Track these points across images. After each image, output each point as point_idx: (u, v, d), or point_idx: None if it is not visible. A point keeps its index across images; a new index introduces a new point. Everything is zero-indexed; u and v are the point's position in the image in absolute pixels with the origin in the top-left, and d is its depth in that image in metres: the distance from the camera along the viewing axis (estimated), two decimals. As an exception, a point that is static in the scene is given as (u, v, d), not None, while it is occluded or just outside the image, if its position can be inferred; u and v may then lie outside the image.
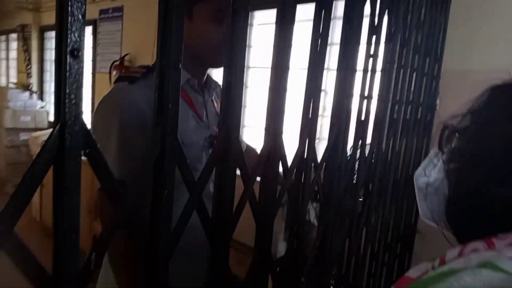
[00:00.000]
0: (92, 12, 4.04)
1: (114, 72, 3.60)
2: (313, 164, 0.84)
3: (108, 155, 0.80)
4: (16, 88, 4.95)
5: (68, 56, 0.39)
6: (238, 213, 0.66)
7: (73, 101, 0.40)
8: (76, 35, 0.39)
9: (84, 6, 0.39)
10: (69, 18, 0.38)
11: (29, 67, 5.24)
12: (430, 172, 0.50)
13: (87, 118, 0.44)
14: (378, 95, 1.12)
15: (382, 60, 1.10)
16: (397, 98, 1.22)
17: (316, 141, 0.83)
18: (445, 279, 0.39)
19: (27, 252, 0.40)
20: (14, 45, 5.80)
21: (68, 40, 0.38)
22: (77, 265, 0.43)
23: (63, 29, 0.38)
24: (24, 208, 0.38)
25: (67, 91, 0.39)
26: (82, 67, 0.40)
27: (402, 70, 1.19)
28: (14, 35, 5.67)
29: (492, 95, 0.46)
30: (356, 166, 1.04)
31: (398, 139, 1.29)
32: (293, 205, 0.82)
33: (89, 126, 0.49)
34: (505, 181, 0.41)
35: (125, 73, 0.89)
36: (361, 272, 1.18)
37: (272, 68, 0.68)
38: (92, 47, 4.11)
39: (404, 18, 1.15)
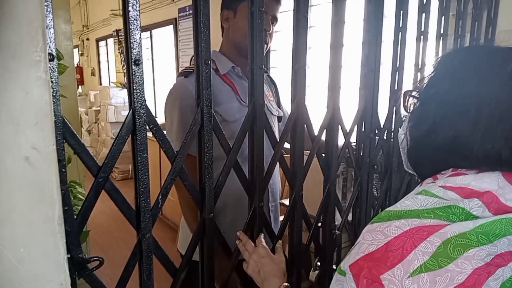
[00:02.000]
0: (172, 11, 4.47)
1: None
2: (341, 130, 0.98)
3: (171, 133, 1.05)
4: (116, 86, 5.70)
5: (132, 65, 0.61)
6: (269, 171, 0.84)
7: (138, 94, 0.62)
8: (136, 51, 0.60)
9: (139, 32, 0.60)
10: (131, 40, 0.60)
11: (125, 67, 5.97)
12: (401, 131, 0.62)
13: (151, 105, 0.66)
14: (416, 65, 1.18)
15: (418, 29, 1.16)
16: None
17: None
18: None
19: (119, 193, 0.64)
20: (111, 48, 6.63)
21: (132, 54, 0.60)
22: (149, 202, 0.66)
23: (128, 48, 0.60)
24: (115, 162, 0.62)
25: (134, 87, 0.61)
26: (142, 71, 0.62)
27: (442, 38, 1.23)
28: (111, 40, 6.49)
29: (438, 62, 0.57)
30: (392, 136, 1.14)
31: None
32: (325, 168, 0.97)
33: (153, 111, 0.71)
34: (442, 131, 0.52)
35: (183, 70, 1.13)
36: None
37: (293, 50, 0.84)
38: (175, 45, 4.56)
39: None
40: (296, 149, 0.89)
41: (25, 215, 0.43)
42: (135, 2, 0.60)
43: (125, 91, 5.45)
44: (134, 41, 0.60)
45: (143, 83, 0.63)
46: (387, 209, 0.52)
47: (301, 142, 0.88)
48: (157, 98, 5.12)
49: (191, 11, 4.03)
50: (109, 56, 7.04)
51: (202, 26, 0.68)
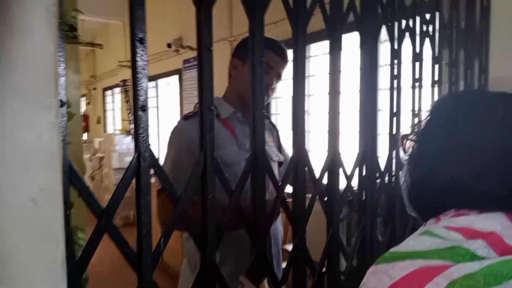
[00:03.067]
0: (177, 62, 4.66)
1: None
2: (343, 173, 0.99)
3: (165, 167, 1.08)
4: (121, 133, 5.80)
5: (139, 111, 0.63)
6: (271, 214, 0.84)
7: (143, 138, 0.64)
8: (143, 98, 0.63)
9: (146, 81, 0.63)
10: (138, 87, 0.63)
11: (130, 115, 6.12)
12: (402, 174, 0.63)
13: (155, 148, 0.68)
14: (412, 110, 1.22)
15: (412, 77, 1.21)
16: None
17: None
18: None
19: (121, 236, 0.64)
20: (117, 97, 6.83)
21: (139, 101, 0.63)
22: (151, 246, 0.66)
23: (136, 95, 0.63)
24: (119, 204, 0.63)
25: (140, 132, 0.64)
26: (147, 117, 0.64)
27: (437, 85, 1.28)
28: (117, 89, 6.71)
29: (433, 107, 0.59)
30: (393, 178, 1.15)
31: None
32: (327, 210, 0.97)
33: (156, 154, 0.73)
34: (439, 175, 0.53)
35: (185, 114, 1.17)
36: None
37: (292, 95, 0.87)
38: (179, 93, 4.71)
39: (432, 36, 1.25)
40: (298, 192, 0.89)
41: (28, 257, 0.43)
42: (143, 53, 0.64)
43: (129, 138, 5.54)
44: (141, 89, 0.64)
45: (148, 128, 0.65)
46: (391, 250, 0.52)
47: (303, 185, 0.89)
48: (161, 143, 5.19)
49: (195, 62, 4.22)
50: (115, 105, 7.24)
51: (206, 75, 0.72)
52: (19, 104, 0.41)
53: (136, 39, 0.63)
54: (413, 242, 0.51)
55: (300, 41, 0.86)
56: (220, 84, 1.18)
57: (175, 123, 1.17)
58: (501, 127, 0.50)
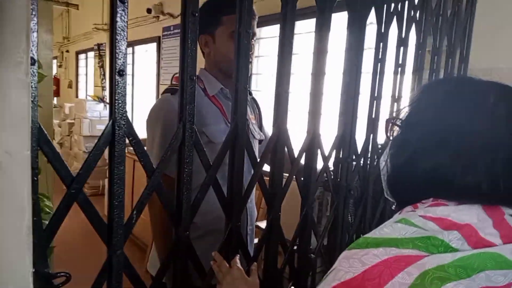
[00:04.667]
0: (156, 29, 4.49)
1: (174, 83, 3.98)
2: (320, 154, 0.99)
3: (152, 149, 1.04)
4: (93, 100, 5.60)
5: (116, 75, 0.60)
6: (248, 191, 0.83)
7: (120, 105, 0.61)
8: (121, 62, 0.60)
9: (125, 43, 0.59)
10: (117, 51, 0.59)
11: (103, 81, 5.90)
12: (382, 158, 0.63)
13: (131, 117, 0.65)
14: (392, 96, 1.23)
15: (396, 63, 1.21)
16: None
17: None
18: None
19: (91, 206, 0.61)
20: (91, 62, 6.55)
21: (116, 65, 0.59)
22: (123, 217, 0.64)
23: (113, 58, 0.59)
24: (90, 172, 0.60)
25: (116, 98, 0.60)
26: (125, 82, 0.61)
27: (418, 73, 1.29)
28: (91, 53, 6.42)
29: (421, 91, 0.59)
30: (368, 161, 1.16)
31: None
32: (303, 190, 0.97)
33: (141, 136, 0.69)
34: (422, 161, 0.53)
35: (169, 86, 1.12)
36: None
37: (277, 73, 0.85)
38: (157, 62, 4.56)
39: (418, 22, 1.25)
40: (275, 170, 0.89)
41: (-9, 223, 0.40)
42: (123, 13, 0.59)
43: (101, 105, 5.36)
44: (120, 52, 0.60)
45: (125, 94, 0.62)
46: (366, 235, 0.52)
47: (281, 164, 0.88)
48: (134, 113, 5.06)
49: (175, 31, 4.07)
50: (88, 69, 6.95)
51: (190, 42, 0.68)
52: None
53: (117, -2, 0.58)
54: (388, 229, 0.50)
55: (289, 18, 0.83)
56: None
57: (161, 98, 1.10)
58: (492, 119, 0.50)
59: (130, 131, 0.63)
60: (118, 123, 0.61)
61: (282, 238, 0.92)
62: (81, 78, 7.37)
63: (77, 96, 7.25)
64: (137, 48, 5.07)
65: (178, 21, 4.17)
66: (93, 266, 0.69)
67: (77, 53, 7.34)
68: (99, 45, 5.92)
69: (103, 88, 5.90)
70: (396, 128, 0.59)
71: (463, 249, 0.46)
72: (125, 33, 0.60)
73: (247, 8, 0.76)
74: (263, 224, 2.19)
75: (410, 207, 0.54)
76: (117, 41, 0.59)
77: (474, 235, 0.46)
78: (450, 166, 0.50)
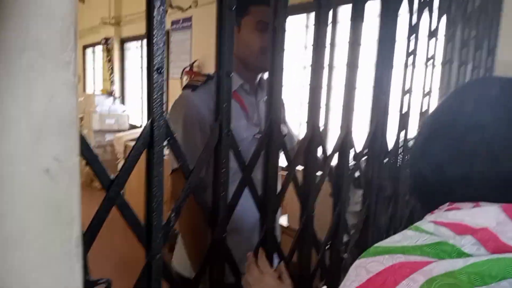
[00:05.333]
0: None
1: (184, 78, 3.95)
2: (353, 152, 0.95)
3: None
4: (102, 94, 5.59)
5: (155, 73, 0.57)
6: (283, 190, 0.80)
7: (158, 103, 0.58)
8: (160, 58, 0.56)
9: (164, 38, 0.56)
10: (155, 47, 0.56)
11: (112, 75, 5.88)
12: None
13: (166, 115, 0.62)
14: (423, 90, 1.18)
15: (426, 55, 1.17)
16: (444, 91, 1.27)
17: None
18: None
19: (130, 210, 0.58)
20: (99, 56, 6.53)
21: (155, 62, 0.56)
22: (162, 219, 0.61)
23: (151, 54, 0.56)
24: (129, 175, 0.57)
25: (155, 96, 0.57)
26: (163, 80, 0.58)
27: (448, 65, 1.24)
28: (99, 47, 6.40)
29: (450, 95, 0.55)
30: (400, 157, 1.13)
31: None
32: (335, 189, 0.94)
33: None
34: (441, 172, 0.50)
35: (190, 82, 1.09)
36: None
37: (311, 68, 0.82)
38: (165, 56, 4.52)
39: (448, 13, 1.20)
40: (308, 169, 0.85)
41: (40, 236, 0.37)
42: (162, 6, 0.56)
43: (110, 99, 5.35)
44: (158, 49, 0.56)
45: (163, 93, 0.58)
46: (376, 244, 0.49)
47: (315, 163, 0.85)
48: (143, 107, 5.04)
49: (184, 24, 4.03)
50: (96, 64, 6.92)
51: (227, 35, 0.65)
52: (33, 59, 0.34)
53: (156, -10, 0.55)
54: (398, 237, 0.48)
55: (324, 8, 0.80)
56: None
57: (181, 95, 1.07)
58: None
59: (168, 131, 0.60)
60: (157, 123, 0.58)
61: (316, 239, 0.89)
62: (89, 73, 7.36)
63: (85, 91, 7.24)
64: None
65: (186, 14, 4.12)
66: (126, 271, 0.67)
67: (84, 47, 7.31)
68: (106, 39, 5.89)
69: (112, 83, 5.88)
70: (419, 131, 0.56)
71: (478, 254, 0.41)
72: (163, 27, 0.56)
73: (283, 2, 0.72)
74: (284, 222, 2.17)
75: (429, 214, 0.51)
76: (155, 35, 0.56)
77: (493, 239, 0.42)
78: (482, 172, 0.47)
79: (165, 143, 0.60)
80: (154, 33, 0.56)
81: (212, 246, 0.70)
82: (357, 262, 0.47)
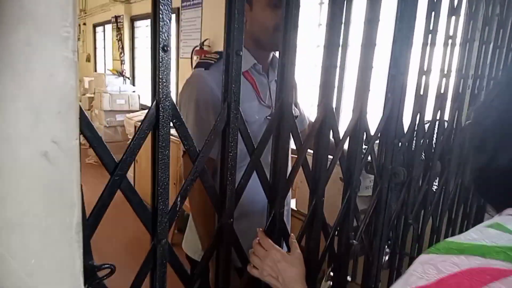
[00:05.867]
0: (175, 0, 4.37)
1: (195, 57, 3.89)
2: (365, 135, 0.92)
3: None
4: (112, 74, 5.57)
5: (160, 51, 0.54)
6: (292, 176, 0.78)
7: (164, 84, 0.55)
8: (166, 35, 0.54)
9: (170, 14, 0.53)
10: (161, 23, 0.53)
11: (122, 54, 5.85)
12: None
13: (173, 97, 0.60)
14: (441, 70, 1.13)
15: (446, 34, 1.11)
16: (463, 72, 1.22)
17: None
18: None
19: (136, 194, 0.57)
20: (109, 35, 6.49)
21: (160, 39, 0.53)
22: (168, 204, 0.60)
23: (157, 31, 0.53)
24: (134, 158, 0.55)
25: (160, 76, 0.55)
26: (170, 58, 0.55)
27: (468, 44, 1.18)
28: (109, 26, 6.34)
29: (500, 80, 0.51)
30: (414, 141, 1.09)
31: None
32: (346, 173, 0.92)
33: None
34: (504, 158, 0.45)
35: (202, 59, 1.06)
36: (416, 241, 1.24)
37: (324, 46, 0.78)
38: (176, 34, 4.46)
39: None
40: (320, 153, 0.83)
41: (40, 221, 0.36)
42: (167, -20, 0.53)
43: (121, 79, 5.34)
44: (164, 24, 0.53)
45: (169, 73, 0.56)
46: (448, 239, 0.44)
47: (326, 147, 0.82)
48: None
49: (195, 1, 3.93)
50: (106, 43, 6.89)
51: (236, 13, 0.61)
52: (30, 33, 0.32)
53: (161, -38, 0.51)
54: (476, 235, 0.43)
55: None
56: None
57: (193, 73, 1.03)
58: None
59: (174, 113, 0.58)
60: (163, 104, 0.56)
61: (325, 224, 0.87)
62: (99, 52, 7.33)
63: (95, 70, 7.24)
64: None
65: (197, -9, 4.03)
66: (134, 257, 0.66)
67: (94, 26, 7.27)
68: (116, 17, 5.83)
69: (122, 62, 5.85)
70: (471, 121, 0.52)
71: None
72: (170, 3, 0.53)
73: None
74: (292, 204, 2.16)
75: (510, 210, 0.46)
76: (161, 12, 0.53)
77: None
78: None
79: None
80: (159, 8, 0.53)
81: (219, 231, 0.69)
82: (425, 257, 0.43)
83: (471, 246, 0.41)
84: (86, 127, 0.49)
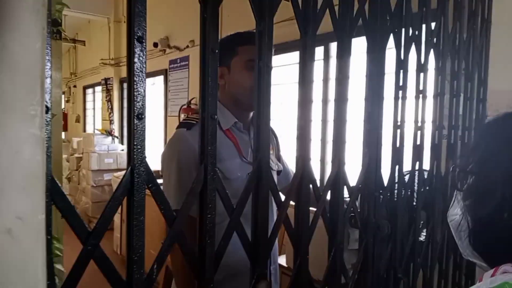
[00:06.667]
0: (163, 63, 4.55)
1: (182, 115, 3.98)
2: (346, 189, 0.93)
3: (169, 189, 0.99)
4: (101, 133, 5.62)
5: (135, 119, 0.55)
6: (274, 234, 0.77)
7: (139, 150, 0.56)
8: (140, 104, 0.56)
9: (144, 85, 0.56)
10: (135, 92, 0.55)
11: (111, 114, 5.94)
12: (454, 211, 0.55)
13: (154, 159, 0.60)
14: (415, 122, 1.18)
15: (416, 88, 1.17)
16: (437, 123, 1.26)
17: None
18: None
19: (109, 263, 0.55)
20: (99, 96, 6.63)
21: (135, 108, 0.55)
22: (143, 273, 0.58)
23: (131, 100, 0.55)
24: (108, 224, 0.54)
25: (135, 143, 0.56)
26: (144, 126, 0.57)
27: (439, 97, 1.24)
28: (98, 88, 6.51)
29: (484, 132, 0.53)
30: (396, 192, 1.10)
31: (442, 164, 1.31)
32: (330, 229, 0.91)
33: (152, 167, 0.64)
34: None
35: (185, 120, 1.09)
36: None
37: (298, 102, 0.81)
38: (164, 94, 4.58)
39: (436, 46, 1.21)
40: (301, 208, 0.83)
41: (-1, 301, 0.35)
42: (141, 53, 0.56)
43: (109, 139, 5.37)
44: (138, 94, 0.56)
45: (144, 139, 0.57)
46: None
47: (307, 202, 0.82)
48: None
49: (182, 63, 4.10)
50: (96, 104, 7.02)
51: (210, 80, 0.64)
52: (-5, 113, 0.33)
53: (135, 37, 0.55)
54: None
55: (309, 45, 0.80)
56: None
57: (175, 134, 1.06)
58: None
59: (149, 178, 0.58)
60: (138, 170, 0.56)
61: (311, 284, 0.85)
62: (89, 113, 7.44)
63: (84, 131, 7.30)
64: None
65: (184, 53, 4.22)
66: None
67: (85, 88, 7.45)
68: (106, 79, 6.00)
69: (111, 122, 5.93)
70: (467, 176, 0.53)
71: None
72: (143, 74, 0.56)
73: (267, 43, 0.72)
74: (282, 260, 2.10)
75: (509, 265, 0.46)
76: (135, 82, 0.55)
77: None
78: None
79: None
80: (134, 79, 0.55)
81: (199, 298, 0.66)
82: None
83: None
84: (58, 197, 0.49)
